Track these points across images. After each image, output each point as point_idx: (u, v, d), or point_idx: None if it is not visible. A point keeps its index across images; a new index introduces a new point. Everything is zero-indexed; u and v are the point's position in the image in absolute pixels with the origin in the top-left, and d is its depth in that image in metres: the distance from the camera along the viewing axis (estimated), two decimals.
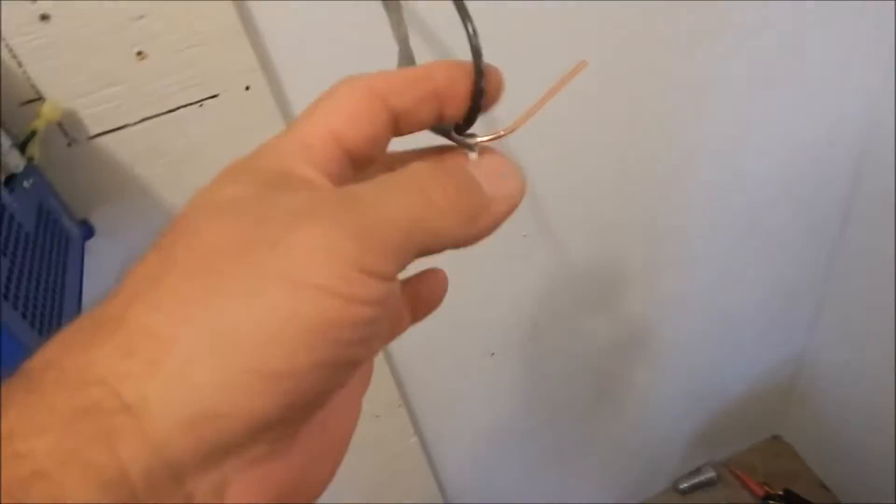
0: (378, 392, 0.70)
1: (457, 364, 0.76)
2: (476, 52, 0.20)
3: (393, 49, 0.26)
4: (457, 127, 0.21)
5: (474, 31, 0.21)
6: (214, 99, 0.45)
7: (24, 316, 0.32)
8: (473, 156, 0.21)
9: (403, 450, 0.77)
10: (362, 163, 0.19)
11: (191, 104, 0.45)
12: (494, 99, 0.21)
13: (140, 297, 0.15)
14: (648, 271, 0.79)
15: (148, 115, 0.44)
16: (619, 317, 0.83)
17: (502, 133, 0.22)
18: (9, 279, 0.32)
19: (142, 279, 0.15)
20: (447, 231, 0.18)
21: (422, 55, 0.22)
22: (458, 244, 0.19)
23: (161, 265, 0.15)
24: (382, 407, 0.71)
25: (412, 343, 0.70)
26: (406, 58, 0.25)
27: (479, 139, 0.21)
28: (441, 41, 0.49)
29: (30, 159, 0.39)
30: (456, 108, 0.20)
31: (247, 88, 0.46)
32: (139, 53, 0.42)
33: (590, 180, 0.66)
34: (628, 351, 0.89)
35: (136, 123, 0.44)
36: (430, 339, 0.70)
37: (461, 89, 0.20)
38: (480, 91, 0.20)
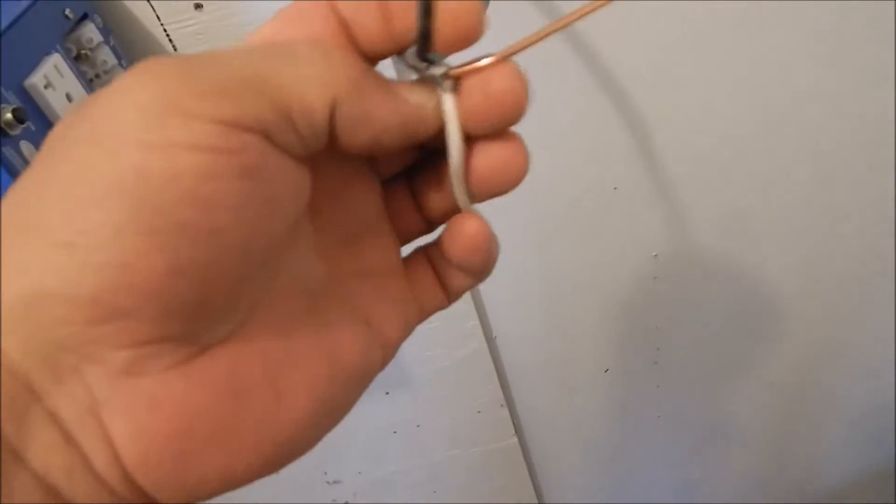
0: (481, 389, 0.69)
1: (567, 373, 0.73)
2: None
3: None
4: (417, 52, 0.16)
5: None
6: None
7: None
8: (447, 100, 0.17)
9: (502, 448, 0.76)
10: None
11: None
12: (458, 18, 0.16)
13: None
14: (803, 294, 0.71)
15: None
16: (761, 351, 0.75)
17: (483, 63, 0.16)
18: None
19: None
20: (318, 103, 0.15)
21: None
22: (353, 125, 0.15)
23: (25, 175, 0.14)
24: (485, 403, 0.71)
25: (523, 344, 0.68)
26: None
27: (462, 67, 0.16)
28: None
29: None
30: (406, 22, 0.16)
31: None
32: None
33: (733, 198, 0.60)
34: (767, 391, 0.80)
35: None
36: (542, 344, 0.69)
37: None
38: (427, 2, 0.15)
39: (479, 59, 0.17)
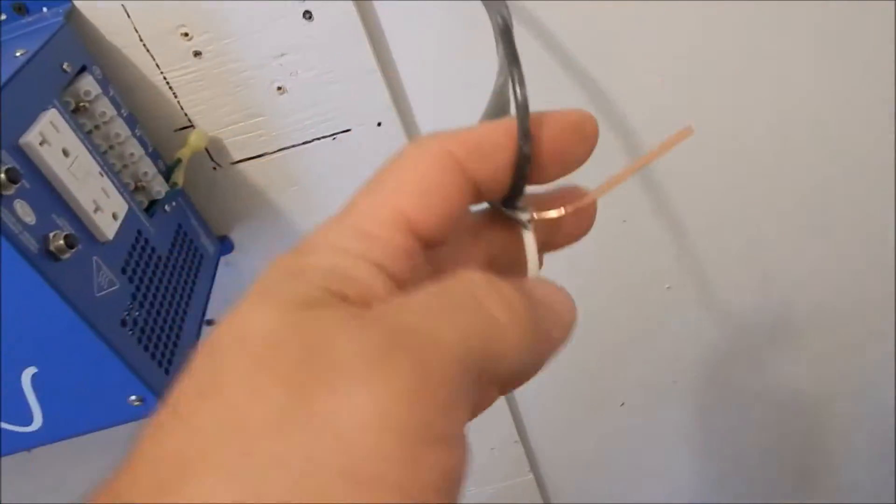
0: (494, 425, 0.68)
1: (582, 407, 0.71)
2: (521, 105, 0.17)
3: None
4: (504, 199, 0.18)
5: (520, 78, 0.17)
6: (347, 133, 0.46)
7: (139, 341, 0.35)
8: (528, 236, 0.18)
9: (517, 485, 0.74)
10: (435, 245, 0.17)
11: (325, 137, 0.46)
12: (552, 167, 0.17)
13: (168, 490, 0.12)
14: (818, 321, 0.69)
15: (285, 145, 0.46)
16: (782, 380, 0.73)
17: (563, 212, 0.18)
18: (131, 305, 0.35)
19: (168, 459, 0.13)
20: (512, 353, 0.15)
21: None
22: (520, 373, 0.16)
23: (188, 441, 0.13)
24: (498, 440, 0.69)
25: (535, 378, 0.67)
26: (498, 103, 0.21)
27: (536, 214, 0.18)
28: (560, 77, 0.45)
29: (174, 185, 0.42)
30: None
31: (378, 125, 0.45)
32: (279, 88, 0.43)
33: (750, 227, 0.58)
34: (787, 418, 0.78)
35: (274, 152, 0.46)
36: (556, 378, 0.67)
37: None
38: (525, 157, 0.17)
39: (558, 197, 0.18)
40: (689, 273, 0.59)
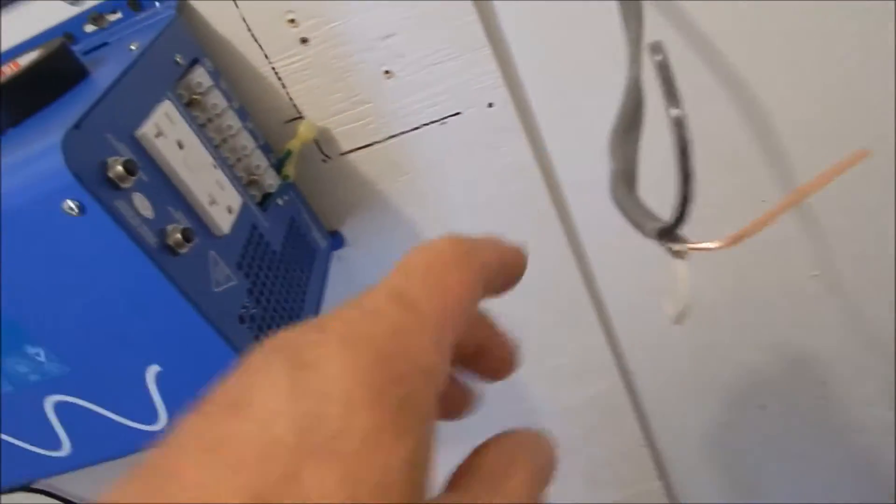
0: (619, 428, 0.63)
1: (716, 410, 0.65)
2: (683, 145, 0.17)
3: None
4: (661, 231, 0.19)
5: (681, 119, 0.17)
6: (457, 117, 0.43)
7: (257, 339, 0.33)
8: (682, 265, 0.19)
9: (645, 492, 0.69)
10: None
11: (434, 122, 0.43)
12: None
13: None
14: None
15: (394, 132, 0.44)
16: None
17: (713, 245, 0.18)
18: (248, 300, 0.34)
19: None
20: None
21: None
22: None
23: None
24: (624, 444, 0.65)
25: (664, 379, 0.62)
26: (634, 100, 0.20)
27: (695, 245, 0.19)
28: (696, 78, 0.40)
29: (285, 177, 0.41)
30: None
31: (489, 106, 0.42)
32: (387, 72, 0.41)
33: None
34: None
35: (383, 140, 0.44)
36: (687, 379, 0.62)
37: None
38: (686, 197, 0.18)
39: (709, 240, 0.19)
40: (834, 257, 0.52)
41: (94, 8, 0.38)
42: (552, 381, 0.59)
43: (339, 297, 0.49)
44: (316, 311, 0.42)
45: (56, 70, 0.30)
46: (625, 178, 0.20)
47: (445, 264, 0.17)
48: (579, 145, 0.45)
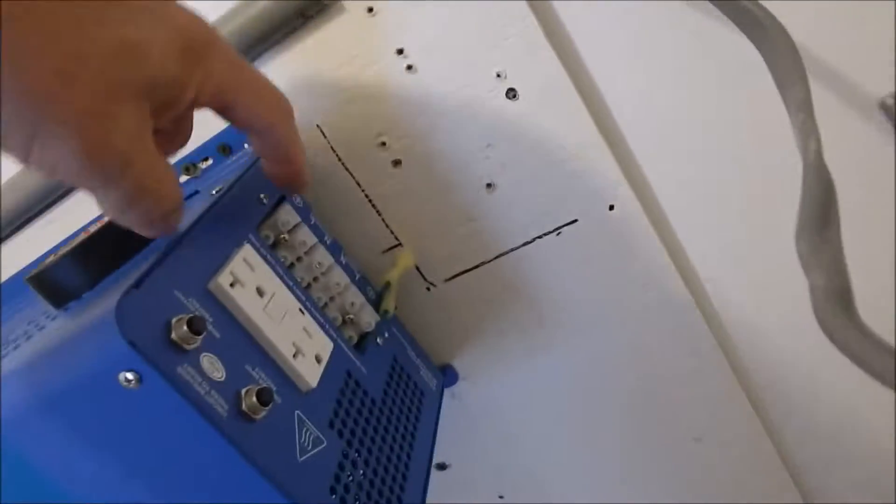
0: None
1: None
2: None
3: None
4: None
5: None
6: (573, 225, 0.38)
7: None
8: None
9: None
10: None
11: (547, 233, 0.38)
12: None
13: None
14: None
15: (503, 250, 0.39)
16: None
17: None
18: (341, 466, 0.29)
19: None
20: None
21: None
22: None
23: None
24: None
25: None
26: (816, 181, 0.14)
27: None
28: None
29: (384, 313, 0.36)
30: None
31: (611, 208, 0.37)
32: (489, 185, 0.37)
33: None
34: None
35: (492, 260, 0.39)
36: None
37: None
38: None
39: None
40: None
41: (186, 158, 0.37)
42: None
43: (456, 440, 0.43)
44: (428, 460, 0.36)
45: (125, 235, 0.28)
46: (837, 297, 0.13)
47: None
48: (721, 242, 0.38)
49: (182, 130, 0.29)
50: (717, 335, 0.40)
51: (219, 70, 0.25)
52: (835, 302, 0.14)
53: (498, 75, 0.34)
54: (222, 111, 0.27)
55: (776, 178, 0.34)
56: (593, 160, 0.36)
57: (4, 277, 0.42)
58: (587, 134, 0.35)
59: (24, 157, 0.20)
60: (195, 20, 0.25)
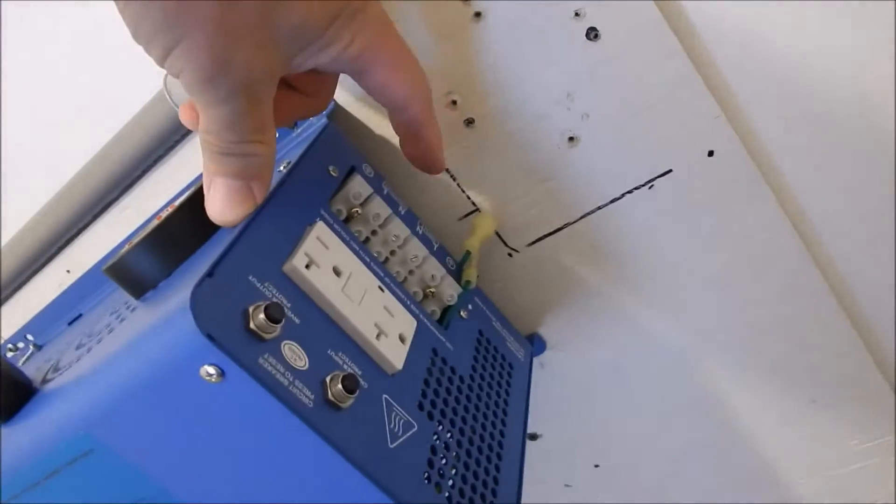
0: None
1: None
2: None
3: None
4: None
5: None
6: (667, 176, 0.34)
7: (449, 499, 0.26)
8: None
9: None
10: None
11: (638, 187, 0.35)
12: None
13: None
14: None
15: (588, 208, 0.36)
16: None
17: None
18: (434, 449, 0.27)
19: None
20: None
21: None
22: None
23: None
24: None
25: None
26: None
27: None
28: None
29: (467, 284, 0.34)
30: None
31: (710, 154, 0.33)
32: (571, 139, 0.34)
33: None
34: None
35: (577, 220, 0.36)
36: None
37: None
38: None
39: None
40: None
41: None
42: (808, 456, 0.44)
43: (547, 408, 0.41)
44: (522, 433, 0.34)
45: (202, 209, 0.27)
46: None
47: None
48: (841, 191, 0.33)
49: (321, 93, 0.29)
50: (836, 292, 0.36)
51: (368, 32, 0.25)
52: None
53: (576, 14, 0.31)
54: (359, 75, 0.26)
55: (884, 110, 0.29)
56: (688, 101, 0.32)
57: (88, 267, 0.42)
58: (681, 72, 0.31)
59: (161, 61, 0.22)
60: None
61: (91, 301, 0.43)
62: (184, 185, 0.38)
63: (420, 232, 0.34)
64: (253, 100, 0.23)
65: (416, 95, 0.28)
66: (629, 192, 0.35)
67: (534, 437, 0.46)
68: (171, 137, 0.38)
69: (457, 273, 0.35)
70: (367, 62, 0.26)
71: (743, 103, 0.32)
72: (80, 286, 0.43)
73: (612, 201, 0.35)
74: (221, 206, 0.25)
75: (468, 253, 0.35)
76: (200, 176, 0.27)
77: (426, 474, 0.26)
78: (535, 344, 0.41)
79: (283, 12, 0.22)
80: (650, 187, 0.35)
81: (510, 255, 0.38)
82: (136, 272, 0.28)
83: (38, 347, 0.41)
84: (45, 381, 0.29)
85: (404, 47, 0.27)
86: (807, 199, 0.34)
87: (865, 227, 0.35)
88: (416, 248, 0.33)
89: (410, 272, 0.33)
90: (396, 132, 0.30)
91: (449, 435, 0.29)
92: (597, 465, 0.46)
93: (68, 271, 0.46)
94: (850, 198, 0.34)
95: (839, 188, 0.34)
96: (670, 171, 0.34)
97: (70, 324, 0.43)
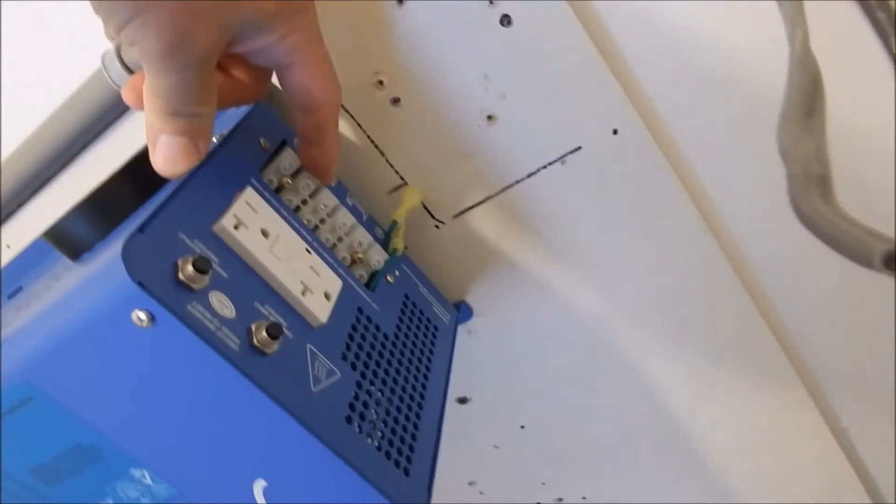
0: (840, 497, 0.50)
1: None
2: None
3: None
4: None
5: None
6: (577, 153, 0.37)
7: (370, 439, 0.29)
8: None
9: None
10: None
11: (552, 163, 0.38)
12: None
13: None
14: None
15: (507, 182, 0.39)
16: None
17: None
18: (355, 396, 0.30)
19: None
20: None
21: None
22: None
23: None
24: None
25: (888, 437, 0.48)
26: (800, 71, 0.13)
27: None
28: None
29: (393, 251, 0.37)
30: None
31: (614, 132, 0.36)
32: (489, 118, 0.37)
33: None
34: None
35: (497, 194, 0.39)
36: None
37: None
38: None
39: None
40: None
41: None
42: (751, 450, 0.48)
43: (473, 375, 0.44)
44: (442, 395, 0.37)
45: (137, 176, 0.29)
46: (815, 183, 0.13)
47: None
48: (728, 155, 0.37)
49: (254, 84, 0.31)
50: (731, 259, 0.40)
51: (303, 33, 0.28)
52: (812, 188, 0.14)
53: (490, 2, 0.33)
54: (285, 69, 0.29)
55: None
56: (594, 84, 0.35)
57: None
58: (587, 57, 0.34)
59: (117, 29, 0.24)
60: None
61: (32, 274, 0.44)
62: (124, 160, 0.40)
63: (349, 203, 0.37)
64: (205, 70, 0.26)
65: (329, 102, 0.30)
66: (544, 167, 0.38)
67: (463, 400, 0.49)
68: (110, 114, 0.40)
69: (385, 242, 0.37)
70: (295, 59, 0.29)
71: (644, 84, 0.36)
72: (21, 260, 0.44)
73: (528, 175, 0.38)
74: (167, 160, 0.27)
75: (394, 223, 0.37)
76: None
77: (348, 417, 0.28)
78: (463, 311, 0.43)
79: (240, 2, 0.25)
80: (563, 163, 0.38)
81: (437, 227, 0.41)
82: (72, 234, 0.30)
83: None
84: None
85: (329, 58, 0.30)
86: (702, 168, 0.38)
87: (760, 196, 0.39)
88: (345, 217, 0.36)
89: (339, 239, 0.35)
90: (300, 135, 0.32)
91: (371, 384, 0.31)
92: (522, 427, 0.50)
93: (8, 246, 0.47)
94: (747, 183, 0.38)
95: (733, 166, 0.37)
96: (580, 147, 0.37)
97: (10, 297, 0.44)
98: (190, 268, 0.24)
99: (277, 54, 0.28)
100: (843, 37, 0.31)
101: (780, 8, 0.19)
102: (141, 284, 0.23)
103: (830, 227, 0.14)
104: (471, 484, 0.54)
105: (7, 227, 0.46)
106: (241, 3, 0.26)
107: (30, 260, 0.44)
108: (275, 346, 0.26)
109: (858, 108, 0.33)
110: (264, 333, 0.26)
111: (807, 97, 0.16)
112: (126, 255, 0.23)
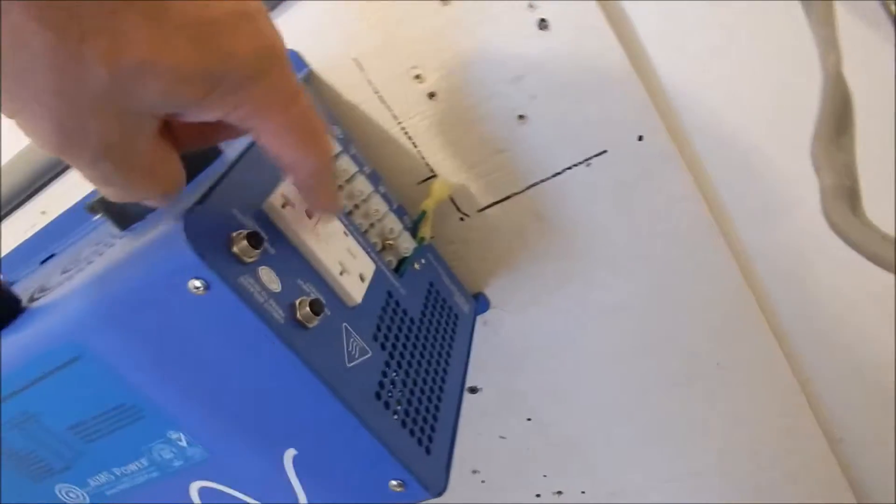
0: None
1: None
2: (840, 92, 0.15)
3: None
4: None
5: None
6: (603, 156, 0.39)
7: (395, 415, 0.31)
8: None
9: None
10: None
11: (577, 164, 0.39)
12: None
13: None
14: None
15: (533, 180, 0.40)
16: None
17: None
18: (384, 375, 0.31)
19: None
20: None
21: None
22: None
23: None
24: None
25: (879, 447, 0.50)
26: (834, 92, 0.15)
27: None
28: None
29: (421, 240, 0.38)
30: None
31: (640, 139, 0.38)
32: (520, 117, 0.38)
33: None
34: None
35: (523, 191, 0.41)
36: None
37: None
38: None
39: None
40: None
41: None
42: (750, 456, 0.50)
43: (487, 364, 0.45)
44: (461, 381, 0.38)
45: (192, 152, 0.30)
46: (845, 195, 0.14)
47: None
48: (745, 169, 0.39)
49: (214, 133, 0.27)
50: (742, 267, 0.41)
51: (255, 103, 0.23)
52: (842, 200, 0.16)
53: (531, 6, 0.35)
54: (249, 133, 0.25)
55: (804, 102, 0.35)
56: (623, 91, 0.36)
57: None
58: (618, 65, 0.36)
59: (10, 118, 0.21)
60: (259, 41, 0.23)
61: (64, 242, 0.45)
62: None
63: (382, 191, 0.38)
64: (124, 158, 0.22)
65: (300, 165, 0.26)
66: (569, 168, 0.40)
67: (474, 390, 0.50)
68: None
69: (413, 230, 0.39)
70: (253, 127, 0.25)
71: (670, 94, 0.37)
72: (55, 227, 0.45)
73: (554, 175, 0.40)
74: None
75: (423, 213, 0.39)
76: None
77: (377, 393, 0.30)
78: (481, 302, 0.45)
79: (136, 88, 0.21)
80: (588, 165, 0.39)
81: (462, 219, 0.42)
82: (123, 205, 0.31)
83: (10, 284, 0.43)
84: (32, 299, 0.32)
85: (303, 119, 0.25)
86: (720, 180, 0.40)
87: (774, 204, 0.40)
88: (378, 204, 0.37)
89: (372, 225, 0.37)
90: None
91: (398, 365, 0.33)
92: (529, 419, 0.51)
93: (43, 213, 0.48)
94: (764, 182, 0.39)
95: (757, 176, 0.39)
96: (605, 151, 0.39)
97: (43, 262, 0.45)
98: (244, 242, 0.26)
99: (234, 122, 0.24)
100: (872, 60, 0.32)
101: (813, 31, 0.21)
102: (201, 255, 0.24)
103: (859, 236, 0.15)
104: (474, 472, 0.56)
105: (44, 195, 0.48)
106: (141, 90, 0.21)
107: (62, 228, 0.46)
108: (315, 322, 0.28)
109: (886, 125, 0.35)
110: (307, 309, 0.27)
111: (838, 116, 0.18)
112: (187, 225, 0.24)
